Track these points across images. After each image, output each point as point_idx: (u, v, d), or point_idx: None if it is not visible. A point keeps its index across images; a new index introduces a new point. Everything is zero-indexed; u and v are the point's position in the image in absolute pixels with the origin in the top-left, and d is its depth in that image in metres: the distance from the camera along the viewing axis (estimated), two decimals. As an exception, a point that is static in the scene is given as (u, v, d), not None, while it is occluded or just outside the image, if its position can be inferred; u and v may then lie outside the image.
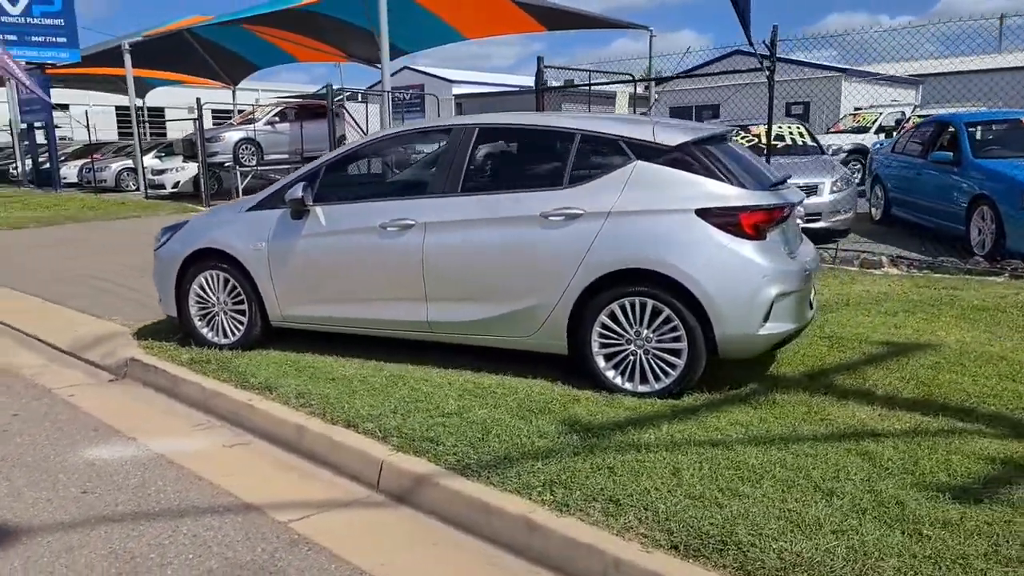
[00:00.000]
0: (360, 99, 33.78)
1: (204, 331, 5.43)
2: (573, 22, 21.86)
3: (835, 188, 9.50)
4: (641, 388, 4.27)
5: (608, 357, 4.34)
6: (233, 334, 5.35)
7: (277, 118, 17.60)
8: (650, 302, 4.18)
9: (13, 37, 21.46)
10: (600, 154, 4.43)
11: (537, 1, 20.52)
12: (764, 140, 10.94)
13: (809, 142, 10.93)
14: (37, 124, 23.75)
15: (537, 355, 4.70)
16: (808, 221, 9.38)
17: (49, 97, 22.06)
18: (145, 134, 32.05)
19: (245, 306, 5.25)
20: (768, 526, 2.82)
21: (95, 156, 23.19)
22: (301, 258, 5.00)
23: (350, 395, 4.34)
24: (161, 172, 19.46)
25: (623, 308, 4.24)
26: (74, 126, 35.41)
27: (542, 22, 22.44)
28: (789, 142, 10.91)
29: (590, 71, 11.65)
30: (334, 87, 22.69)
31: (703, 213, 4.10)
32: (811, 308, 4.57)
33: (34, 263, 10.08)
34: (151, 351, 5.49)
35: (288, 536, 3.17)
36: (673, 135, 4.31)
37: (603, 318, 4.29)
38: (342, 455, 3.84)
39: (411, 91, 31.46)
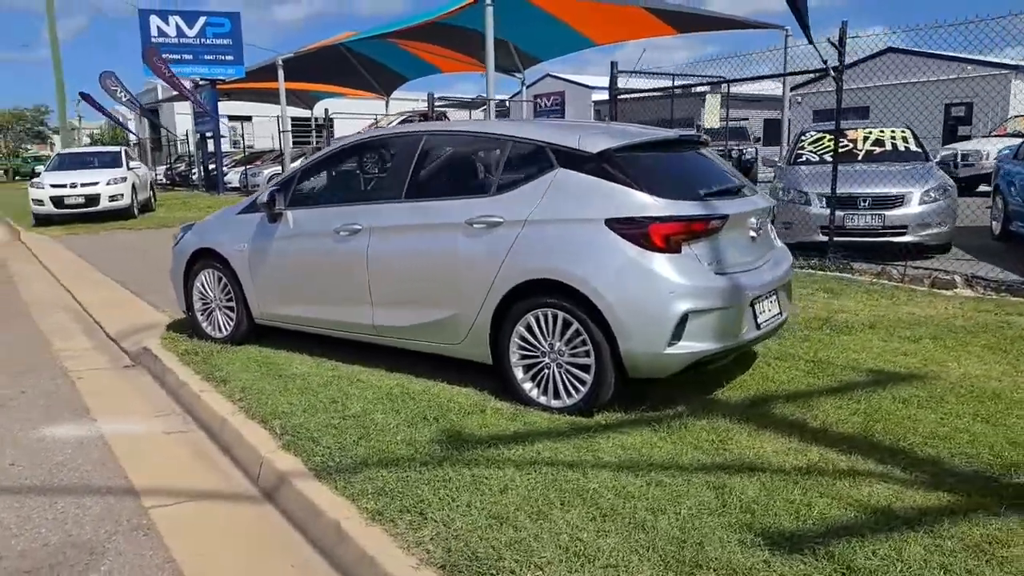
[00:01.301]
0: (506, 105, 34.33)
1: (204, 325, 5.86)
2: (704, 24, 21.14)
3: (926, 199, 8.59)
4: (554, 403, 4.14)
5: (527, 369, 4.23)
6: (226, 329, 5.72)
7: (400, 127, 18.40)
8: (561, 314, 4.04)
9: (189, 56, 23.93)
10: (528, 161, 4.33)
11: (665, 6, 20.07)
12: (860, 145, 10.18)
13: (913, 147, 9.95)
14: (208, 134, 26.28)
15: (483, 364, 4.66)
16: (892, 235, 8.59)
17: (216, 110, 24.33)
18: (313, 141, 34.56)
19: (234, 303, 5.61)
20: (542, 553, 2.67)
21: (254, 163, 25.34)
22: (274, 259, 5.27)
23: (282, 392, 4.53)
24: (300, 178, 20.98)
25: (538, 320, 4.13)
26: (256, 136, 38.90)
27: (672, 25, 21.89)
28: (889, 147, 10.00)
29: (673, 75, 11.27)
30: (482, 96, 23.35)
31: (612, 223, 3.91)
32: (757, 328, 4.20)
33: (152, 259, 11.21)
34: (165, 341, 5.97)
35: (137, 521, 3.38)
36: (597, 142, 4.14)
37: (520, 329, 4.19)
38: (242, 449, 4.02)
39: (552, 97, 31.79)
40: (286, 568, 3.04)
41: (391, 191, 4.78)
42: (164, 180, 32.50)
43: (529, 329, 4.17)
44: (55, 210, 15.98)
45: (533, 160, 4.30)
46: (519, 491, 3.14)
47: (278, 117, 21.67)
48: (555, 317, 4.06)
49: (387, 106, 32.92)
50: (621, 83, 11.64)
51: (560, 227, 4.05)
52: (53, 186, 16.07)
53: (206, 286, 5.77)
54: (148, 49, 21.37)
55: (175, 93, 37.10)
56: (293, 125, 43.39)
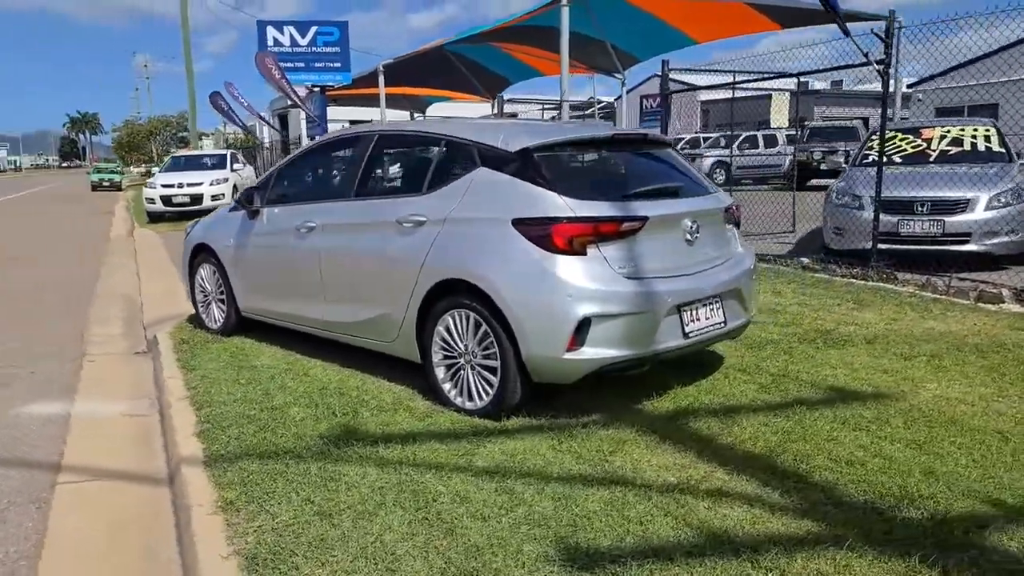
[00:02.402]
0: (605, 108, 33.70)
1: (203, 316, 6.17)
2: (810, 19, 20.09)
3: (995, 204, 7.80)
4: (468, 405, 4.08)
5: (448, 369, 4.20)
6: (219, 321, 6.01)
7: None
8: (473, 315, 3.98)
9: (301, 64, 25.19)
10: (457, 160, 4.30)
11: (770, 1, 19.21)
12: (935, 144, 9.37)
13: (995, 147, 9.04)
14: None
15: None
16: (953, 243, 7.88)
17: (325, 115, 25.50)
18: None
19: (224, 296, 5.88)
20: (335, 552, 2.67)
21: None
22: (251, 255, 5.49)
23: (230, 382, 4.72)
24: (394, 179, 21.72)
25: (455, 320, 4.09)
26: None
27: (777, 20, 20.94)
28: (967, 147, 9.14)
29: (734, 72, 10.80)
30: (592, 99, 23.11)
31: (518, 223, 3.81)
32: (684, 336, 3.97)
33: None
34: (173, 331, 6.33)
35: (39, 495, 3.61)
36: (518, 141, 4.04)
37: (440, 329, 4.17)
38: (171, 434, 4.22)
39: (658, 98, 31.14)
40: (141, 548, 3.16)
41: (344, 189, 4.87)
42: (284, 181, 34.29)
43: (448, 330, 4.13)
44: (164, 208, 17.28)
45: (461, 159, 4.27)
46: (362, 490, 3.13)
47: (372, 121, 22.45)
48: (468, 318, 4.01)
49: (492, 108, 33.38)
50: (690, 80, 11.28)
51: (474, 227, 4.00)
52: (163, 186, 17.38)
53: (204, 280, 6.09)
54: (259, 54, 22.66)
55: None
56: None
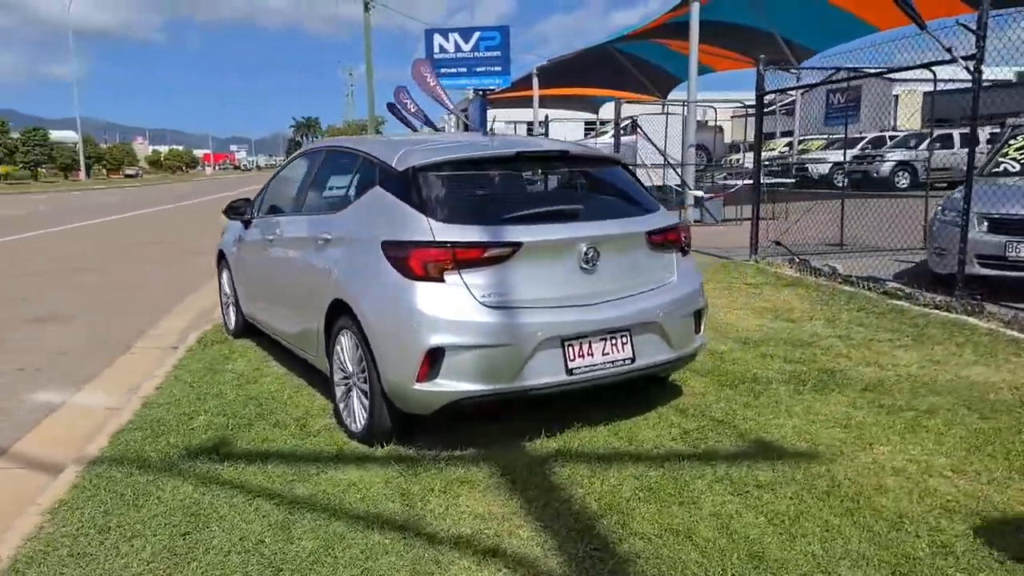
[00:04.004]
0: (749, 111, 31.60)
1: (225, 319, 6.57)
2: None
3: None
4: (353, 427, 4.02)
5: (345, 388, 4.15)
6: (233, 323, 6.36)
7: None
8: (353, 336, 3.91)
9: (464, 69, 26.05)
10: (365, 178, 4.22)
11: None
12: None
13: None
14: (480, 140, 28.31)
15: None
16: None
17: (485, 118, 26.16)
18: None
19: (234, 299, 6.22)
20: (65, 572, 2.73)
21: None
22: (244, 262, 5.76)
23: (187, 385, 4.99)
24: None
25: (344, 339, 4.04)
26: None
27: (968, 3, 18.62)
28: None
29: (846, 68, 9.69)
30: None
31: (385, 246, 3.68)
32: (568, 373, 3.63)
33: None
34: (204, 332, 6.79)
35: (-39, 479, 4.03)
36: (409, 159, 3.89)
37: (337, 348, 4.13)
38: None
39: (846, 93, 29.01)
40: (-9, 540, 3.43)
41: (297, 204, 4.99)
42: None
43: (342, 350, 4.09)
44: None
45: (367, 177, 4.20)
46: (159, 508, 3.19)
47: (525, 122, 22.74)
48: (351, 339, 3.94)
49: (664, 108, 32.50)
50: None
51: (355, 247, 3.93)
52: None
53: (224, 284, 6.47)
54: (417, 61, 23.69)
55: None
56: (586, 127, 44.75)
